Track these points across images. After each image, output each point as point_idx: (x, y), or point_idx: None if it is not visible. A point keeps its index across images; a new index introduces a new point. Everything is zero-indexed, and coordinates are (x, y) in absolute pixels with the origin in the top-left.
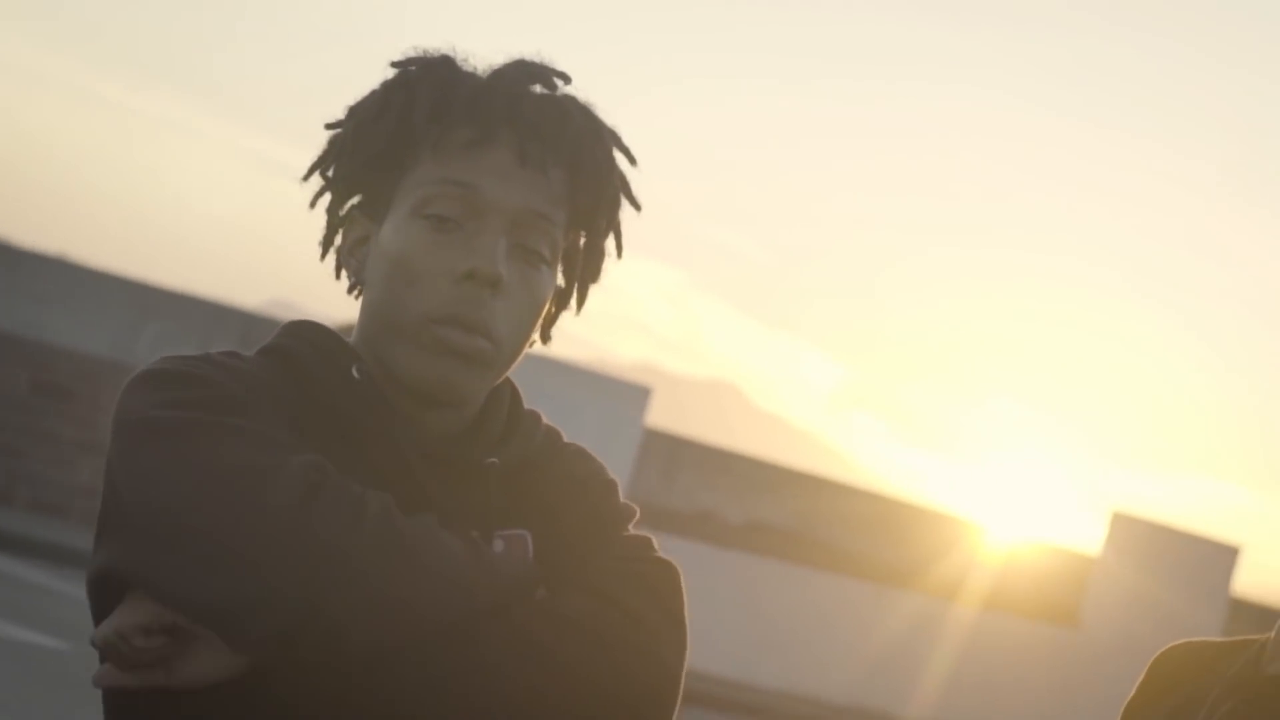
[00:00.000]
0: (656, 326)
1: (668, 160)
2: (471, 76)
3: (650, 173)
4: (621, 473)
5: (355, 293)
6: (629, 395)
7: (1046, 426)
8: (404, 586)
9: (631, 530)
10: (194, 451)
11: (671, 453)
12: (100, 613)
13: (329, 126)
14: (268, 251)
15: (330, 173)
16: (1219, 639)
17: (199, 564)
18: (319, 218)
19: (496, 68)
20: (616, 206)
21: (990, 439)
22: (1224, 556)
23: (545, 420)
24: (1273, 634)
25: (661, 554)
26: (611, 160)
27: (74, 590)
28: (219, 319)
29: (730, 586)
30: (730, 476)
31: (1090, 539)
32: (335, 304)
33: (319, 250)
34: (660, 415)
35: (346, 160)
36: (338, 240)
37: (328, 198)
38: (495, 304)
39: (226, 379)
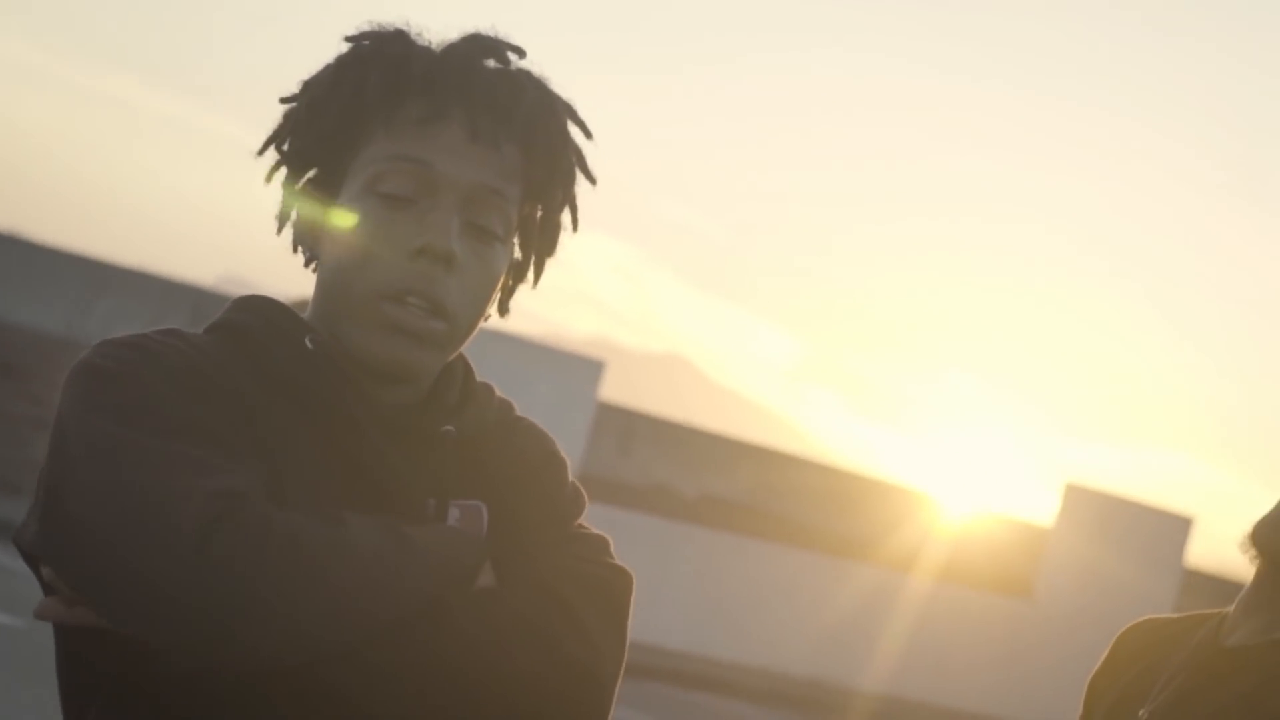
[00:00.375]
0: (610, 301)
1: (620, 136)
2: (425, 51)
3: (603, 148)
4: (575, 447)
5: (312, 267)
6: (582, 369)
7: (1001, 399)
8: (306, 608)
9: (584, 519)
10: (109, 475)
11: (625, 426)
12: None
13: (284, 101)
14: (220, 228)
15: (285, 147)
16: (1182, 615)
17: (111, 587)
18: (273, 193)
19: (450, 43)
20: (571, 180)
21: (945, 412)
22: (1177, 527)
23: (498, 393)
24: (1231, 608)
25: (616, 560)
26: (566, 134)
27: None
28: (170, 295)
29: (685, 560)
30: (684, 450)
31: (1044, 511)
32: (288, 279)
33: (275, 225)
34: (614, 389)
35: (300, 136)
36: (293, 215)
37: (283, 172)
38: (449, 281)
39: (159, 378)
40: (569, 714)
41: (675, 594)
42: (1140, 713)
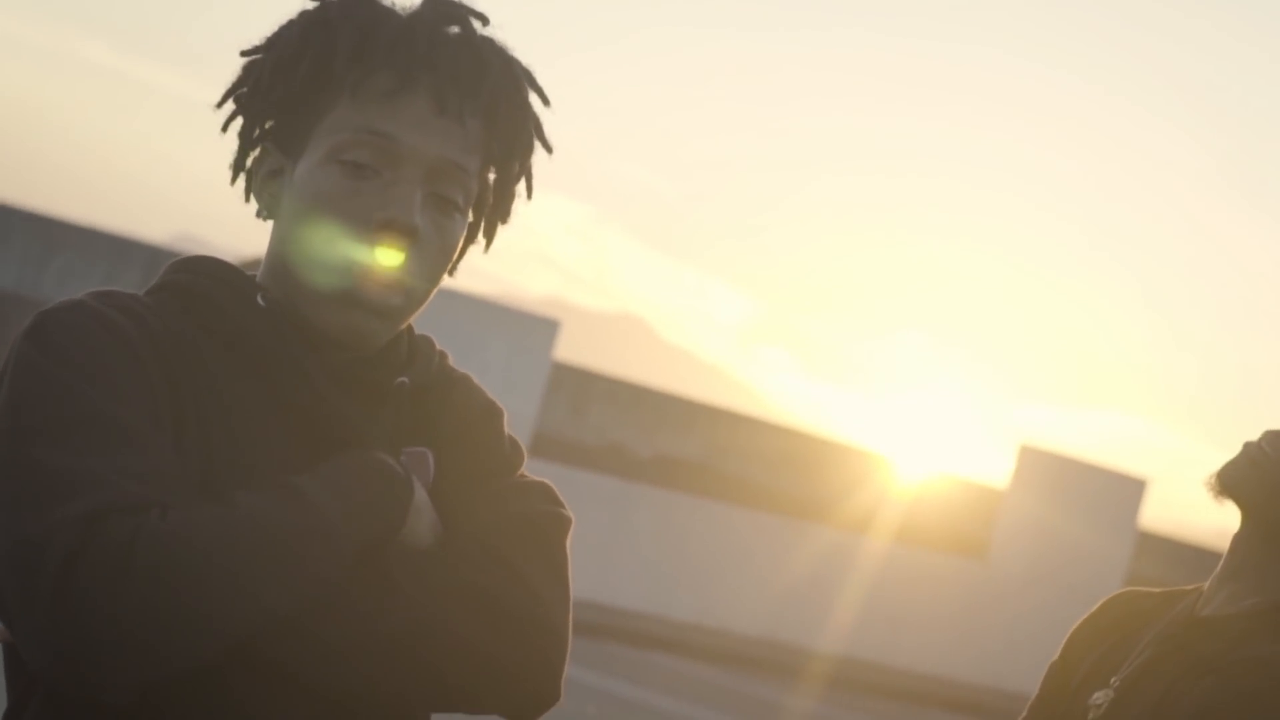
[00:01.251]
0: (564, 261)
1: (575, 97)
2: (391, 16)
3: (559, 109)
4: (530, 406)
5: (264, 217)
6: (537, 329)
7: (955, 360)
8: (177, 621)
9: (525, 470)
10: (11, 508)
11: (580, 386)
12: None
13: (245, 54)
14: (175, 187)
15: (245, 99)
16: (1164, 589)
17: (9, 616)
18: (227, 151)
19: (415, 8)
20: (530, 151)
21: (899, 373)
22: (1131, 489)
23: (437, 345)
24: (1209, 581)
25: (558, 506)
26: (527, 106)
27: None
28: (124, 253)
29: (641, 520)
30: (640, 410)
31: (999, 473)
32: (242, 238)
33: (230, 174)
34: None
35: (263, 95)
36: (248, 165)
37: (239, 123)
38: (409, 254)
39: (91, 355)
40: (524, 670)
41: (632, 554)
42: (1112, 680)
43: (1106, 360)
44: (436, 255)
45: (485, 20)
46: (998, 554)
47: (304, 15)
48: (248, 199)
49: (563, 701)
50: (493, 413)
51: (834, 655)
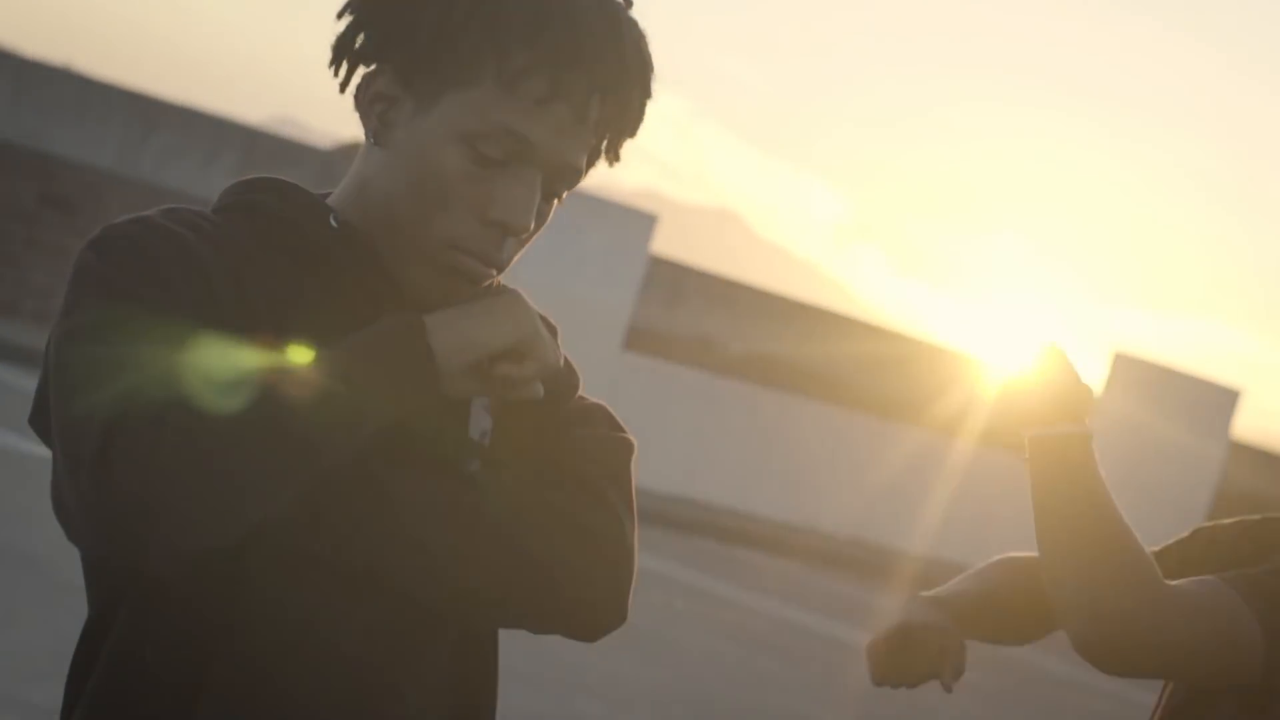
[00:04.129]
0: (660, 154)
1: None
2: None
3: (656, 1)
4: (627, 300)
5: (373, 142)
6: (634, 222)
7: (1049, 264)
8: (212, 490)
9: (586, 394)
10: (60, 395)
11: (675, 281)
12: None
13: None
14: (273, 67)
15: (375, 17)
16: None
17: (57, 504)
18: (326, 31)
19: None
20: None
21: (993, 275)
22: (1225, 399)
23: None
24: None
25: (620, 430)
26: (645, 110)
27: None
28: (223, 134)
29: (729, 415)
30: (733, 306)
31: (1091, 378)
32: (341, 121)
33: (333, 65)
34: (663, 243)
35: (403, 27)
36: (364, 85)
37: (356, 29)
38: (514, 242)
39: (148, 268)
40: (599, 589)
41: (719, 449)
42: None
43: (1204, 269)
44: (533, 235)
45: (629, 2)
46: None
47: None
48: (343, 90)
49: (644, 592)
50: (551, 336)
51: (921, 556)
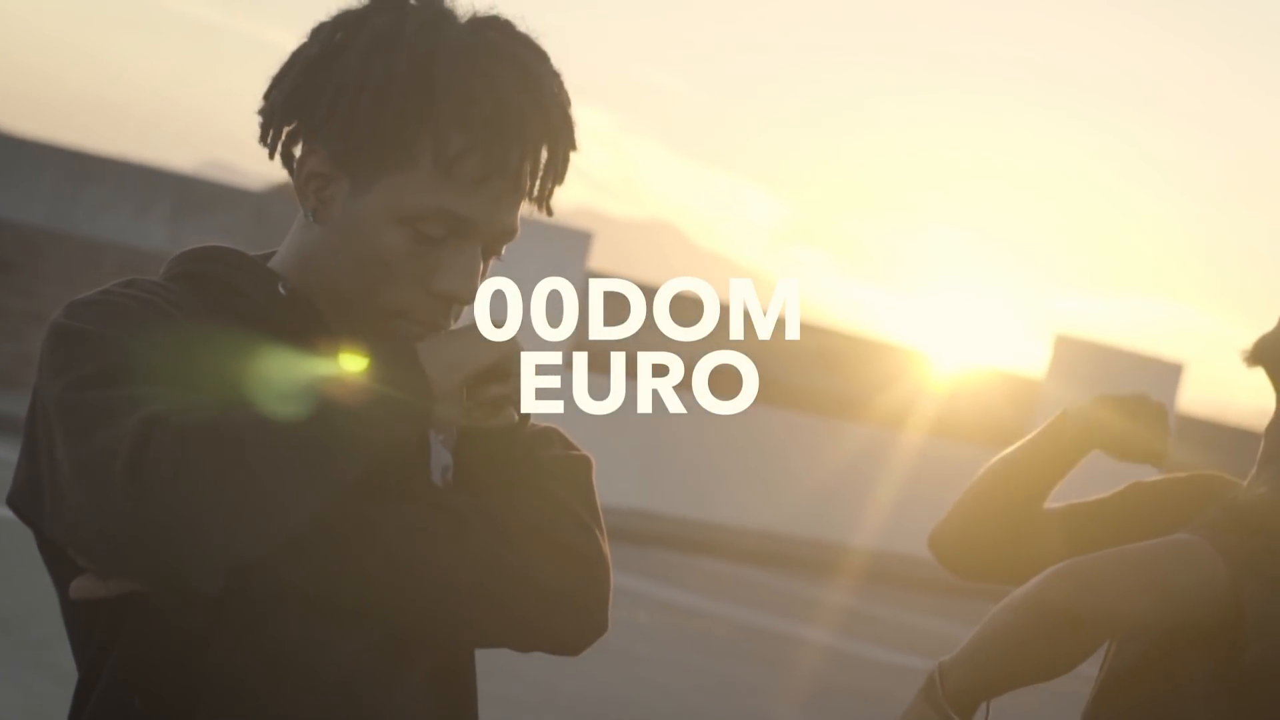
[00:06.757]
0: (592, 170)
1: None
2: (474, 60)
3: (579, 16)
4: (568, 318)
5: (311, 219)
6: (570, 241)
7: (988, 253)
8: (242, 502)
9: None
10: (77, 441)
11: (615, 295)
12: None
13: (301, 58)
14: (199, 113)
15: (296, 102)
16: (1234, 478)
17: (85, 541)
18: (253, 75)
19: (482, 39)
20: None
21: (933, 268)
22: (1168, 374)
23: None
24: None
25: (576, 449)
26: (570, 160)
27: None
28: (154, 183)
29: (679, 425)
30: (675, 316)
31: (1035, 362)
32: (273, 165)
33: (260, 131)
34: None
35: (327, 109)
36: (295, 167)
37: (282, 115)
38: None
39: (126, 331)
40: (584, 603)
41: (671, 460)
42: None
43: (1138, 246)
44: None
45: (544, 56)
46: None
47: (373, 35)
48: (271, 159)
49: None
50: None
51: (871, 550)
